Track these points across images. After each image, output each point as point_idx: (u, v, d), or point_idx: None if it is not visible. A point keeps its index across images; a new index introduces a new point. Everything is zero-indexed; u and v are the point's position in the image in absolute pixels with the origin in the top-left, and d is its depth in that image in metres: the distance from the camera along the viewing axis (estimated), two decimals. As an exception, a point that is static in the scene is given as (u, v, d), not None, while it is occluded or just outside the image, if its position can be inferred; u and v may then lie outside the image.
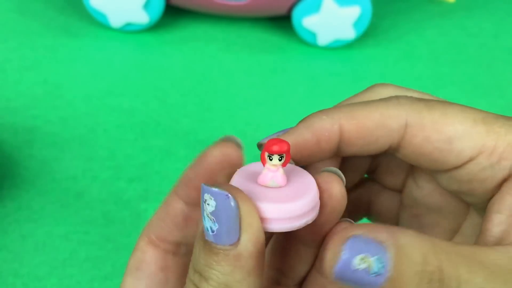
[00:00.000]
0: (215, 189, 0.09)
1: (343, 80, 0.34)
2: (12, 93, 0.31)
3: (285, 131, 0.12)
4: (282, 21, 0.38)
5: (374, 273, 0.09)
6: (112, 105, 0.31)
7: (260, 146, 0.12)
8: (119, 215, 0.26)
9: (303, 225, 0.10)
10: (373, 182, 0.14)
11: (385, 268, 0.09)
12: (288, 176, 0.11)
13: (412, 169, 0.12)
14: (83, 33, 0.36)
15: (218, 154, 0.11)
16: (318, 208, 0.10)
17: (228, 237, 0.09)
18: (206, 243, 0.09)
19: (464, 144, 0.11)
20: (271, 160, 0.10)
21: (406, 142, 0.11)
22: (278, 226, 0.09)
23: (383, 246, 0.09)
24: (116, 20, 0.34)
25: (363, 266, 0.09)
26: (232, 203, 0.09)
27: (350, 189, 0.12)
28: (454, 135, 0.11)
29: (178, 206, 0.12)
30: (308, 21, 0.34)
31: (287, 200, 0.10)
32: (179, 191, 0.12)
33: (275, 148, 0.10)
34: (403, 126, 0.11)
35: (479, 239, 0.10)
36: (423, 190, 0.12)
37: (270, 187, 0.10)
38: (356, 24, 0.34)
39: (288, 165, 0.11)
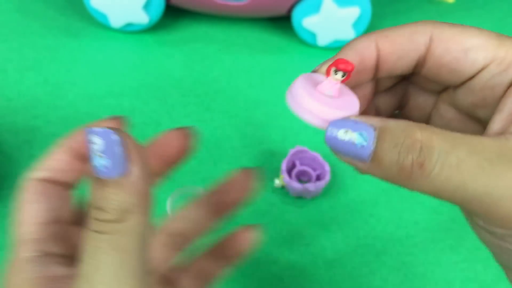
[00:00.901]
0: (100, 129, 0.11)
1: (343, 80, 0.35)
2: (12, 93, 0.31)
3: (336, 56, 0.13)
4: (282, 22, 0.38)
5: (359, 144, 0.11)
6: (113, 105, 0.31)
7: (315, 69, 0.13)
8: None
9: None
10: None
11: (368, 141, 0.11)
12: (341, 91, 0.13)
13: (436, 102, 0.14)
14: (83, 33, 0.36)
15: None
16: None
17: (119, 169, 0.11)
18: (99, 180, 0.11)
19: (478, 54, 0.12)
20: (336, 74, 0.12)
21: (430, 54, 0.12)
22: (316, 122, 0.12)
23: (372, 127, 0.11)
24: (116, 20, 0.34)
25: (347, 137, 0.11)
26: (117, 138, 0.11)
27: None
28: (470, 46, 0.12)
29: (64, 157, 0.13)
30: (308, 22, 0.34)
31: (332, 107, 0.12)
32: (65, 145, 0.13)
33: (342, 66, 0.12)
34: (428, 40, 0.12)
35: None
36: (444, 119, 0.14)
37: (325, 95, 0.12)
38: (355, 25, 0.34)
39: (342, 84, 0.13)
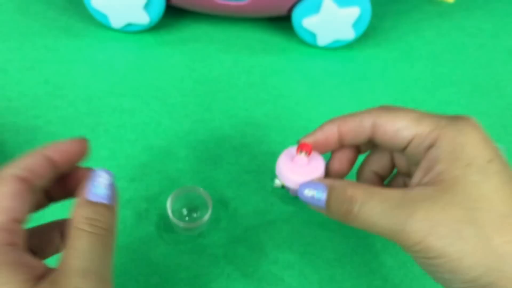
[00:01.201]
0: (108, 170, 0.17)
1: (343, 80, 0.35)
2: (13, 93, 0.31)
3: (310, 134, 0.21)
4: (282, 22, 0.38)
5: (317, 199, 0.18)
6: (113, 105, 0.31)
7: (298, 142, 0.21)
8: (120, 215, 0.26)
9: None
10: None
11: (322, 196, 0.18)
12: (310, 159, 0.20)
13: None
14: (84, 33, 0.36)
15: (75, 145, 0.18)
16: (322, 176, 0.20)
17: (112, 199, 0.16)
18: (90, 202, 0.16)
19: (405, 133, 0.18)
20: (301, 153, 0.20)
21: (376, 134, 0.19)
22: (292, 185, 0.20)
23: (325, 186, 0.18)
24: (117, 20, 0.34)
25: (310, 194, 0.19)
26: (113, 179, 0.17)
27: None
28: (400, 127, 0.18)
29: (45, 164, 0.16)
30: (308, 22, 0.34)
31: (302, 175, 0.20)
32: (48, 154, 0.17)
33: (303, 149, 0.20)
34: (371, 124, 0.19)
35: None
36: (400, 165, 0.21)
37: (298, 164, 0.20)
38: (355, 25, 0.34)
39: (313, 152, 0.20)
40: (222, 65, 0.35)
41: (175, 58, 0.35)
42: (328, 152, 0.20)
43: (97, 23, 0.36)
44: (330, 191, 0.18)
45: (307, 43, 0.36)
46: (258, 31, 0.38)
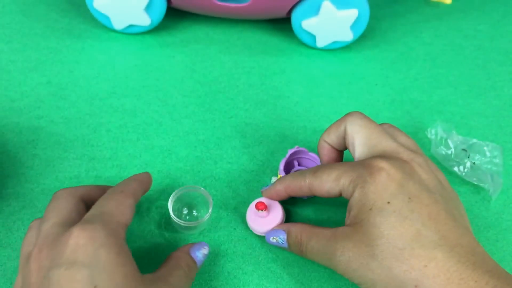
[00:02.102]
0: (207, 247, 0.24)
1: (342, 81, 0.35)
2: (16, 94, 0.32)
3: (267, 189, 0.25)
4: (282, 23, 0.38)
5: (280, 242, 0.24)
6: (115, 105, 0.32)
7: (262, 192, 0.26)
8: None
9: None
10: None
11: (284, 240, 0.24)
12: (269, 210, 0.25)
13: None
14: (86, 35, 0.36)
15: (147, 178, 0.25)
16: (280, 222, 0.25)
17: (200, 263, 0.24)
18: (192, 257, 0.23)
19: (332, 192, 0.22)
20: (260, 211, 0.25)
21: (314, 193, 0.23)
22: (259, 233, 0.26)
23: (284, 231, 0.24)
24: (118, 22, 0.35)
25: (275, 240, 0.24)
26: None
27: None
28: (327, 189, 0.22)
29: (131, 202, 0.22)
30: (307, 24, 0.34)
31: (264, 225, 0.25)
32: (134, 193, 0.23)
33: (259, 207, 0.25)
34: (308, 189, 0.23)
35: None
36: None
37: (260, 216, 0.25)
38: (354, 26, 0.35)
39: (268, 202, 0.26)
40: (222, 66, 0.35)
41: (176, 59, 0.35)
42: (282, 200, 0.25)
43: (99, 24, 0.37)
44: (288, 236, 0.23)
45: (306, 44, 0.37)
46: (258, 33, 0.38)
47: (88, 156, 0.29)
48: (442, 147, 0.30)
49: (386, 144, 0.22)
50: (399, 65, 0.37)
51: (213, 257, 0.25)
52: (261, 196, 0.28)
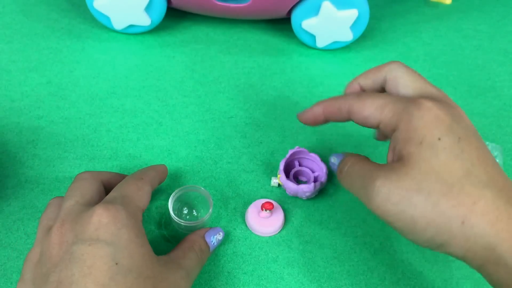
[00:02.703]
0: (221, 231, 0.25)
1: (341, 82, 0.35)
2: (16, 94, 0.32)
3: (302, 113, 0.25)
4: (282, 24, 0.38)
5: (334, 163, 0.24)
6: (115, 105, 0.32)
7: (298, 116, 0.26)
8: (122, 213, 0.26)
9: (271, 234, 0.26)
10: None
11: (338, 161, 0.24)
12: (272, 211, 0.26)
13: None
14: (86, 35, 0.36)
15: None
16: (281, 225, 0.26)
17: (214, 248, 0.25)
18: (206, 241, 0.24)
19: (372, 120, 0.21)
20: (265, 210, 0.25)
21: (352, 118, 0.22)
22: (260, 234, 0.26)
23: (342, 156, 0.23)
24: (118, 22, 0.35)
25: (333, 160, 0.24)
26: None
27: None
28: (367, 116, 0.21)
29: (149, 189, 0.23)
30: (307, 24, 0.35)
31: (267, 226, 0.26)
32: (150, 182, 0.24)
33: (266, 207, 0.25)
34: (347, 111, 0.22)
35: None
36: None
37: (263, 217, 0.26)
38: (354, 27, 0.35)
39: (274, 203, 0.26)
40: (222, 66, 0.35)
41: (176, 59, 0.35)
42: (318, 125, 0.25)
43: (99, 24, 0.37)
44: (342, 160, 0.23)
45: (306, 44, 0.37)
46: (258, 33, 0.38)
47: (88, 156, 0.29)
48: (442, 147, 0.30)
49: (432, 89, 0.21)
50: (399, 65, 0.37)
51: (213, 257, 0.25)
52: (261, 196, 0.28)
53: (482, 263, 0.18)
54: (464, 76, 0.37)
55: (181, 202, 0.26)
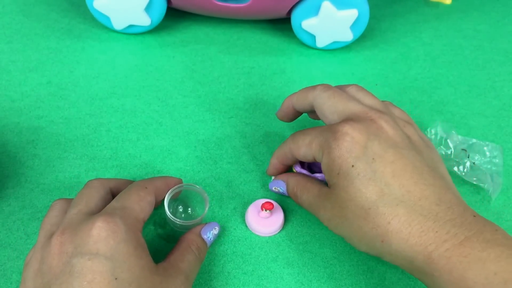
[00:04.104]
0: (218, 226, 0.26)
1: (341, 81, 0.35)
2: (16, 94, 0.32)
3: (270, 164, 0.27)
4: (282, 24, 0.38)
5: (282, 191, 0.26)
6: (115, 105, 0.32)
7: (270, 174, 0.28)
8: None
9: (271, 234, 0.26)
10: None
11: (284, 188, 0.26)
12: (272, 212, 0.26)
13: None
14: (86, 35, 0.36)
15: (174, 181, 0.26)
16: (281, 225, 0.26)
17: (210, 243, 0.25)
18: (202, 238, 0.24)
19: (308, 157, 0.24)
20: (265, 210, 0.26)
21: (297, 158, 0.25)
22: (260, 234, 0.26)
23: (284, 182, 0.26)
24: (118, 22, 0.35)
25: (276, 190, 0.27)
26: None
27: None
28: (303, 154, 0.24)
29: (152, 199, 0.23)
30: (307, 24, 0.35)
31: (267, 226, 0.26)
32: (153, 191, 0.24)
33: (266, 206, 0.25)
34: (292, 154, 0.25)
35: None
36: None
37: (263, 217, 0.26)
38: (354, 27, 0.35)
39: (274, 203, 0.26)
40: (222, 66, 0.35)
41: (176, 59, 0.35)
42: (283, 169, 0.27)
43: (99, 24, 0.37)
44: (287, 187, 0.26)
45: (306, 44, 0.37)
46: (258, 33, 0.38)
47: (88, 156, 0.29)
48: (442, 147, 0.30)
49: (352, 107, 0.23)
50: (399, 65, 0.37)
51: (213, 257, 0.25)
52: (261, 196, 0.28)
53: (412, 273, 0.20)
54: (464, 76, 0.37)
55: (177, 201, 0.26)
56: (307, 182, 0.24)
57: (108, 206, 0.21)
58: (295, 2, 0.34)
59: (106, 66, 0.34)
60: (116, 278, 0.19)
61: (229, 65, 0.35)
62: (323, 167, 0.22)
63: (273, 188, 0.26)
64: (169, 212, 0.24)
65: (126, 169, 0.28)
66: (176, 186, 0.25)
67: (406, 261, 0.20)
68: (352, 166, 0.20)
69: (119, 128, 0.30)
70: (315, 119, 0.27)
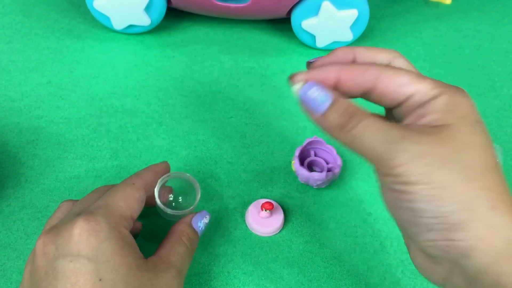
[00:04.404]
0: (209, 220, 0.25)
1: (342, 81, 0.35)
2: (16, 94, 0.32)
3: (309, 69, 0.19)
4: (282, 24, 0.38)
5: (321, 101, 0.18)
6: (115, 105, 0.32)
7: (290, 76, 0.19)
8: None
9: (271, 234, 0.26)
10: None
11: (326, 102, 0.17)
12: (272, 211, 0.26)
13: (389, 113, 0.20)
14: (86, 35, 0.36)
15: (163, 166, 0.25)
16: (281, 225, 0.26)
17: (201, 233, 0.24)
18: (193, 228, 0.24)
19: (406, 88, 0.18)
20: (265, 210, 0.26)
21: (376, 87, 0.18)
22: (260, 234, 0.26)
23: (332, 94, 0.18)
24: (118, 22, 0.35)
25: (314, 95, 0.18)
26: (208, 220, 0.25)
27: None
28: (401, 83, 0.18)
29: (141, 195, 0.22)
30: (307, 24, 0.35)
31: (267, 226, 0.26)
32: (140, 185, 0.22)
33: (265, 207, 0.25)
34: (375, 76, 0.18)
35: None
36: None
37: (263, 217, 0.26)
38: (354, 27, 0.35)
39: (274, 203, 0.26)
40: (222, 66, 0.35)
41: (176, 59, 0.35)
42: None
43: (99, 24, 0.37)
44: (336, 101, 0.18)
45: (306, 44, 0.37)
46: (257, 33, 0.38)
47: (88, 156, 0.29)
48: (442, 147, 0.30)
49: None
50: (399, 65, 0.37)
51: (213, 257, 0.25)
52: (261, 196, 0.28)
53: (497, 259, 0.15)
54: (464, 76, 0.37)
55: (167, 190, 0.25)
56: (364, 109, 0.18)
57: (93, 205, 0.21)
58: (295, 2, 0.34)
59: (106, 66, 0.34)
60: (100, 279, 0.18)
61: (229, 65, 0.35)
62: (435, 106, 0.17)
63: (311, 92, 0.18)
64: (160, 201, 0.24)
65: (126, 169, 0.28)
66: (166, 175, 0.24)
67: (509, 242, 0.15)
68: (478, 121, 0.17)
69: (119, 128, 0.30)
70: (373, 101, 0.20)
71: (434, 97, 0.17)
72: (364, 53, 0.19)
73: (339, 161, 0.27)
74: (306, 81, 0.18)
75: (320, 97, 0.17)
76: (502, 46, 0.39)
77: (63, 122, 0.30)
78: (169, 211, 0.24)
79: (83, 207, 0.21)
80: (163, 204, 0.24)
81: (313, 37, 0.36)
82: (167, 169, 0.25)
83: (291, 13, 0.35)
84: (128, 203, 0.21)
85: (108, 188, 0.22)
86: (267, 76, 0.35)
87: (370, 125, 0.17)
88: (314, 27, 0.35)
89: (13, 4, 0.38)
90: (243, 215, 0.27)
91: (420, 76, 0.18)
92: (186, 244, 0.22)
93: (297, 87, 0.18)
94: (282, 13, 0.35)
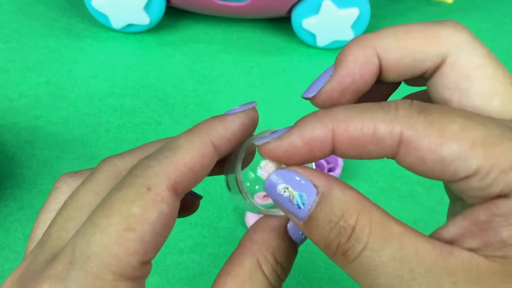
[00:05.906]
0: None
1: (342, 81, 0.35)
2: (14, 94, 0.31)
3: (279, 134, 0.12)
4: (282, 23, 0.38)
5: (296, 204, 0.11)
6: (114, 105, 0.32)
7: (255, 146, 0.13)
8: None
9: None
10: None
11: (306, 205, 0.10)
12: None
13: None
14: (85, 34, 0.36)
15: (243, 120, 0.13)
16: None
17: None
18: None
19: (459, 166, 0.10)
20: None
21: (400, 157, 0.10)
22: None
23: (315, 190, 0.10)
24: (117, 21, 0.35)
25: (286, 194, 0.11)
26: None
27: None
28: (449, 156, 0.10)
29: (212, 159, 0.12)
30: (307, 23, 0.34)
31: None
32: (216, 142, 0.12)
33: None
34: (397, 142, 0.10)
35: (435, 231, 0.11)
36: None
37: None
38: (354, 25, 0.34)
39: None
40: (222, 65, 0.35)
41: (175, 58, 0.35)
42: (307, 163, 0.12)
43: (98, 23, 0.36)
44: (323, 202, 0.10)
45: (307, 43, 0.37)
46: (258, 32, 0.38)
47: (87, 157, 0.28)
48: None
49: None
50: (400, 64, 0.37)
51: (213, 258, 0.25)
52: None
53: None
54: (466, 76, 0.36)
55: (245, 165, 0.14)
56: (384, 213, 0.11)
57: (67, 251, 0.11)
58: (295, 1, 0.33)
59: (105, 66, 0.34)
60: None
61: (229, 65, 0.35)
62: (501, 209, 0.10)
63: (281, 188, 0.11)
64: (244, 188, 0.13)
65: (125, 169, 0.28)
66: (250, 138, 0.14)
67: None
68: None
69: (118, 128, 0.30)
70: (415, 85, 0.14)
71: (501, 192, 0.10)
72: (395, 49, 0.12)
73: (339, 161, 0.27)
74: (275, 165, 0.11)
75: (296, 195, 0.11)
76: (504, 45, 0.39)
77: (61, 122, 0.30)
78: (263, 210, 0.13)
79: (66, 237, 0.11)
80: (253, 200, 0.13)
81: (313, 36, 0.35)
82: (253, 120, 0.13)
83: (291, 12, 0.35)
84: (126, 245, 0.11)
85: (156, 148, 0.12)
86: (267, 76, 0.35)
87: (386, 262, 0.10)
88: (314, 26, 0.34)
89: (11, 3, 0.38)
90: (243, 215, 0.27)
91: (487, 138, 0.10)
92: (269, 280, 0.12)
93: (262, 174, 0.11)
94: (283, 12, 0.35)
